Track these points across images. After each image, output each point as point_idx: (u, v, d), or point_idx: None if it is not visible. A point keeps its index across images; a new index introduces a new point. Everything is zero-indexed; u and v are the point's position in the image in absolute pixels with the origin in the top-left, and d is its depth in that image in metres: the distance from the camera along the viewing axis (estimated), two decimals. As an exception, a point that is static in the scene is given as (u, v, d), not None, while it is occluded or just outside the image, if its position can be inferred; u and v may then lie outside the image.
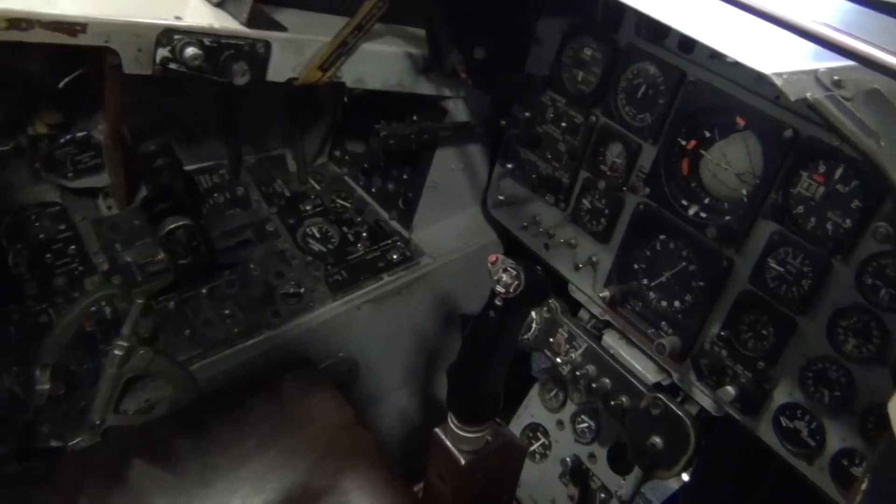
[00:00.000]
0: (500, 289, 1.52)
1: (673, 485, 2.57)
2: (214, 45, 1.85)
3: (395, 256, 2.43)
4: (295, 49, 2.00)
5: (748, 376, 1.83)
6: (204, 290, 2.21)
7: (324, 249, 2.42)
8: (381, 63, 2.19)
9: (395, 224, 2.53)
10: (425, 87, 2.29)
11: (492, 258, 1.56)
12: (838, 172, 1.62)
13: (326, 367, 2.31)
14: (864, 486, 0.91)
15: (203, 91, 2.24)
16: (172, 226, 2.12)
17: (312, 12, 2.16)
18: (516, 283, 1.51)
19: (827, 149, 1.62)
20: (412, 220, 2.49)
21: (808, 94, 1.07)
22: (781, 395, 1.79)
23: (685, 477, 2.48)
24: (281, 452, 1.77)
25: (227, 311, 2.17)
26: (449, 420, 1.67)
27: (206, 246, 2.20)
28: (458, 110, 2.38)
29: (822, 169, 1.64)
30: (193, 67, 1.83)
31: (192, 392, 1.98)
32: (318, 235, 2.46)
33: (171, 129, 2.33)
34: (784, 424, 1.78)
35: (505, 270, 1.53)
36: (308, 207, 2.52)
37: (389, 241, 2.48)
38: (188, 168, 2.40)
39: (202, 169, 2.51)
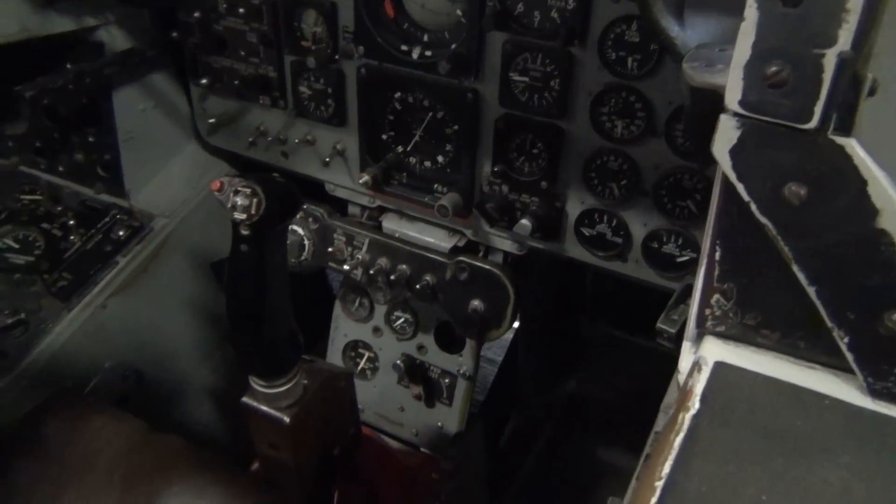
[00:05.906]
0: (239, 216, 1.26)
1: (507, 334, 2.51)
2: None
3: (121, 233, 2.04)
4: None
5: (536, 202, 1.73)
6: None
7: (31, 259, 1.97)
8: None
9: (105, 197, 2.10)
10: (60, 24, 1.84)
11: (215, 185, 1.28)
12: (541, -48, 1.47)
13: (96, 387, 1.95)
14: (717, 256, 0.78)
15: None
16: None
17: None
18: (255, 200, 1.25)
19: None
20: (123, 184, 2.08)
21: None
22: (574, 206, 1.70)
23: (515, 322, 2.42)
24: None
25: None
26: (252, 383, 1.41)
27: None
28: (117, 38, 1.95)
29: (524, -45, 1.49)
30: None
31: None
32: (16, 246, 1.99)
33: None
34: (588, 234, 1.70)
35: (237, 193, 1.26)
36: (-13, 220, 2.02)
37: (108, 219, 2.07)
38: None
39: None
